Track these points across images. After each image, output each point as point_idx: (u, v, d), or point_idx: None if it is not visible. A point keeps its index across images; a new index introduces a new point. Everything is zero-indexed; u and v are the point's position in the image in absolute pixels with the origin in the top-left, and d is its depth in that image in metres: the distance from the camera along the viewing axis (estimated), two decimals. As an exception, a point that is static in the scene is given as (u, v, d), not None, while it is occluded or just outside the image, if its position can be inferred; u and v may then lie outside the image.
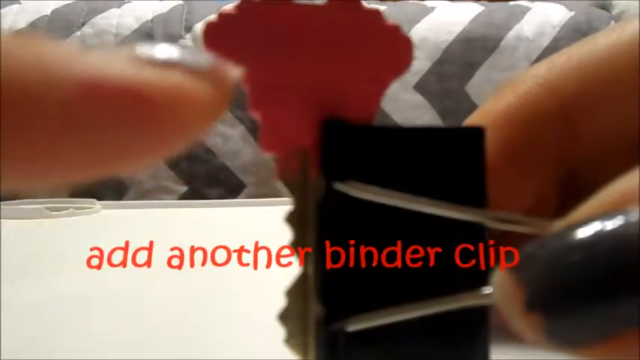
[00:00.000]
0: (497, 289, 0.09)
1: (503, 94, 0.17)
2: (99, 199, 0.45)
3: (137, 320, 0.20)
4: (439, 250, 0.13)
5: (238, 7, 0.12)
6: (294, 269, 0.14)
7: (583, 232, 0.09)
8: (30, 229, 0.34)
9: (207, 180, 0.61)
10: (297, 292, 0.13)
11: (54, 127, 0.08)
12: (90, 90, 0.08)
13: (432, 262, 0.13)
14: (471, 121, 0.18)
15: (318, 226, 0.13)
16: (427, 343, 0.13)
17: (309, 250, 0.13)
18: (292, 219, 0.13)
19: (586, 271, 0.09)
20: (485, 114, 0.18)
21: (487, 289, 0.10)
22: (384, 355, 0.13)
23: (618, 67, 0.17)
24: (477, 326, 0.13)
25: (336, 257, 0.13)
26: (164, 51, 0.09)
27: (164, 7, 0.67)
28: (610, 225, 0.09)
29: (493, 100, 0.18)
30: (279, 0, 0.12)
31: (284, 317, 0.13)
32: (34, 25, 0.65)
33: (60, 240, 0.30)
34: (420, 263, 0.13)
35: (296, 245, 0.13)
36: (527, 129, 0.17)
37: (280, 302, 0.14)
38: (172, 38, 0.64)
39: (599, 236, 0.09)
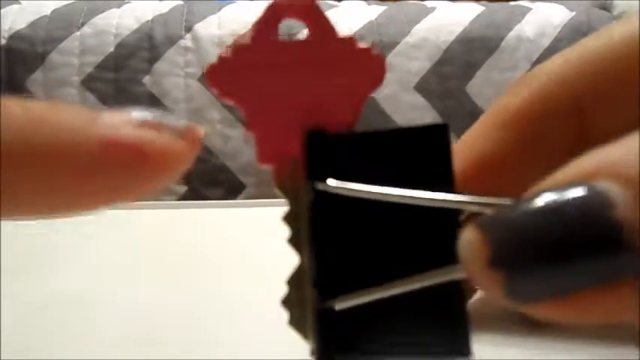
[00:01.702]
0: (464, 246, 0.10)
1: (518, 90, 0.17)
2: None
3: (137, 320, 0.20)
4: (416, 236, 0.14)
5: (233, 49, 0.15)
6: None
7: (547, 198, 0.10)
8: (30, 229, 0.34)
9: (208, 180, 0.61)
10: (295, 280, 0.15)
11: (79, 174, 0.11)
12: (108, 146, 0.11)
13: (410, 248, 0.14)
14: (485, 117, 0.18)
15: (309, 224, 0.14)
16: (409, 318, 0.14)
17: (304, 244, 0.15)
18: (288, 218, 0.15)
19: (546, 234, 0.10)
20: (500, 110, 0.18)
21: (459, 266, 0.11)
22: (369, 329, 0.14)
23: (635, 58, 0.16)
24: (455, 299, 0.14)
25: (325, 249, 0.14)
26: (154, 116, 0.12)
27: (164, 8, 0.67)
28: (572, 193, 0.10)
29: (507, 96, 0.18)
30: (266, 39, 0.15)
31: (286, 303, 0.15)
32: (33, 25, 0.65)
33: (60, 240, 0.30)
34: (399, 249, 0.14)
35: (292, 241, 0.15)
36: (541, 125, 0.17)
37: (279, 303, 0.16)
38: (172, 38, 0.64)
39: (561, 203, 0.10)
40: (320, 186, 0.14)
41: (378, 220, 0.14)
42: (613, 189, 0.10)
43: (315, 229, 0.14)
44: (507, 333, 0.18)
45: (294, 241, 0.15)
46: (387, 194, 0.13)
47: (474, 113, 0.62)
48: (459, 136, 0.68)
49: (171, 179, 0.12)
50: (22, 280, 0.25)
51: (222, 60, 0.15)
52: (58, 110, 0.11)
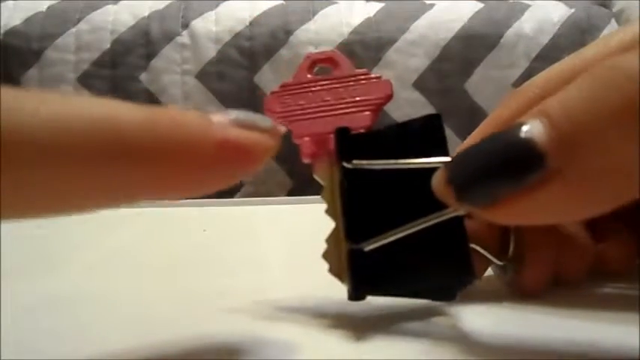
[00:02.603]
0: (434, 176, 0.15)
1: (509, 103, 0.20)
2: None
3: (137, 320, 0.20)
4: (417, 193, 0.17)
5: (281, 86, 0.21)
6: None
7: (484, 141, 0.15)
8: (30, 228, 0.34)
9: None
10: (332, 240, 0.19)
11: (198, 166, 0.14)
12: (222, 145, 0.14)
13: (414, 202, 0.18)
14: (481, 125, 0.21)
15: (340, 193, 0.19)
16: (423, 257, 0.18)
17: (337, 211, 0.19)
18: (325, 195, 0.20)
19: (478, 163, 0.14)
20: (494, 120, 0.20)
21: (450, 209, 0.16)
22: (392, 269, 0.18)
23: None
24: (458, 238, 0.18)
25: (352, 209, 0.19)
26: (249, 117, 0.15)
27: (161, 4, 0.67)
28: (499, 136, 0.14)
29: (500, 109, 0.20)
30: (304, 77, 0.21)
31: (326, 255, 0.19)
32: (29, 22, 0.64)
33: (60, 240, 0.30)
34: (406, 204, 0.18)
35: (329, 211, 0.20)
36: None
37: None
38: (169, 35, 0.64)
39: (490, 142, 0.14)
40: (347, 165, 0.19)
41: (389, 184, 0.19)
42: (534, 123, 0.14)
43: (344, 196, 0.19)
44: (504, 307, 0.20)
45: (330, 211, 0.20)
46: (392, 163, 0.19)
47: (472, 110, 0.62)
48: (457, 133, 0.69)
49: (260, 168, 0.15)
50: (21, 280, 0.24)
51: (273, 93, 0.21)
52: (180, 113, 0.14)
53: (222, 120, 0.15)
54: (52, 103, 0.13)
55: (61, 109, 0.13)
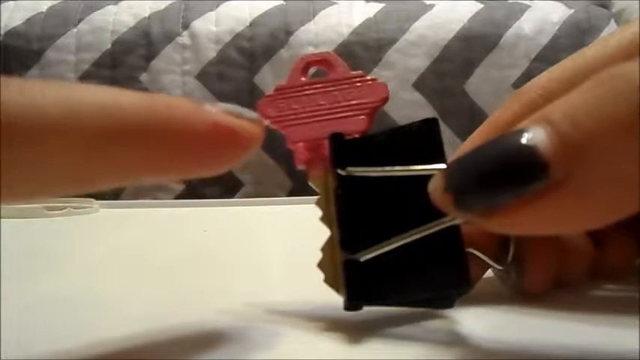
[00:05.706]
0: (431, 183, 0.15)
1: (511, 104, 0.20)
2: (96, 198, 0.45)
3: (137, 320, 0.20)
4: (415, 201, 0.17)
5: (275, 89, 0.21)
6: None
7: (484, 146, 0.14)
8: (30, 228, 0.34)
9: (205, 178, 0.61)
10: (328, 247, 0.19)
11: (193, 148, 0.15)
12: (216, 127, 0.15)
13: (411, 211, 0.18)
14: (482, 128, 0.20)
15: (335, 201, 0.19)
16: (418, 265, 0.18)
17: (332, 219, 0.19)
18: (320, 203, 0.20)
19: (478, 170, 0.14)
20: (495, 122, 0.20)
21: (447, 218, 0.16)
22: (387, 279, 0.18)
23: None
24: (454, 245, 0.18)
25: (348, 217, 0.19)
26: (237, 108, 0.16)
27: (161, 5, 0.67)
28: (500, 142, 0.14)
29: (502, 110, 0.20)
30: (298, 80, 0.21)
31: (321, 265, 0.19)
32: (29, 22, 0.65)
33: (59, 240, 0.30)
34: (403, 213, 0.18)
35: (324, 219, 0.19)
36: None
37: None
38: (169, 35, 0.64)
39: (490, 148, 0.14)
40: (341, 172, 0.19)
41: (384, 192, 0.19)
42: (536, 130, 0.13)
43: (339, 204, 0.19)
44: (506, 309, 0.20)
45: (325, 219, 0.19)
46: (388, 170, 0.18)
47: (472, 111, 0.62)
48: (457, 134, 0.69)
49: (247, 157, 0.16)
50: (22, 279, 0.25)
51: (267, 97, 0.21)
52: (175, 98, 0.15)
53: (212, 108, 0.16)
54: (56, 87, 0.14)
55: (65, 93, 0.14)
